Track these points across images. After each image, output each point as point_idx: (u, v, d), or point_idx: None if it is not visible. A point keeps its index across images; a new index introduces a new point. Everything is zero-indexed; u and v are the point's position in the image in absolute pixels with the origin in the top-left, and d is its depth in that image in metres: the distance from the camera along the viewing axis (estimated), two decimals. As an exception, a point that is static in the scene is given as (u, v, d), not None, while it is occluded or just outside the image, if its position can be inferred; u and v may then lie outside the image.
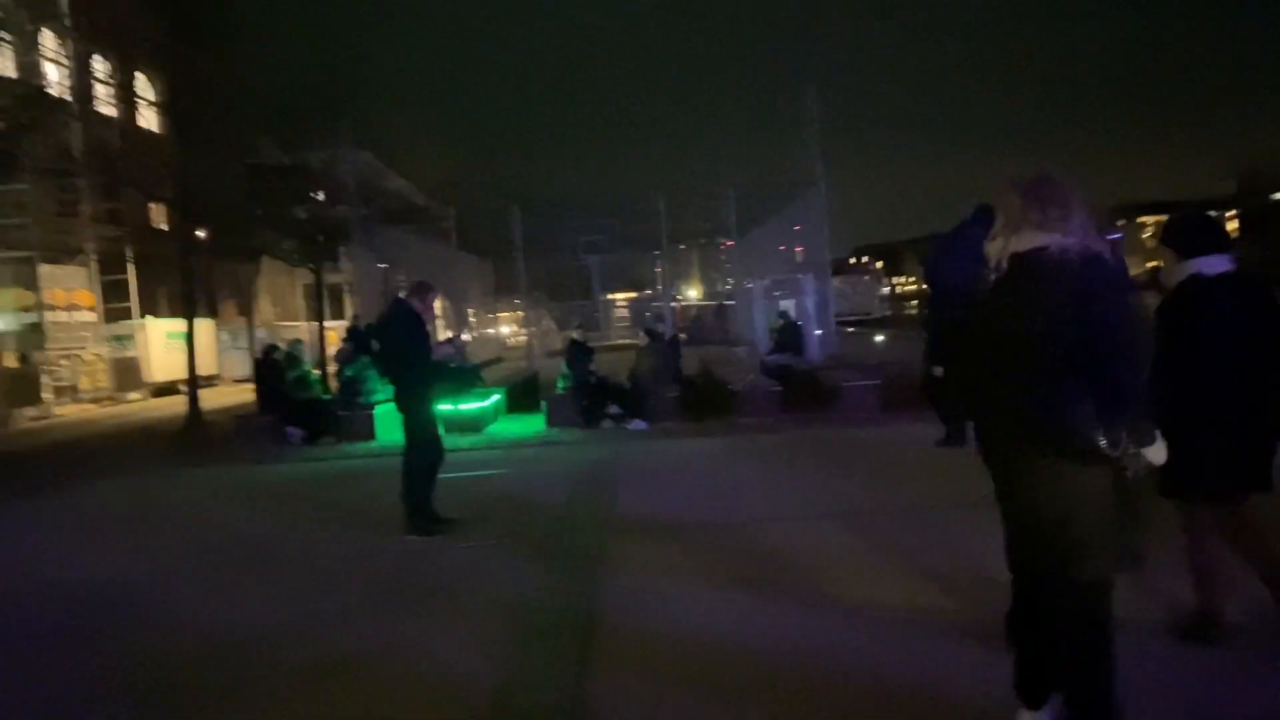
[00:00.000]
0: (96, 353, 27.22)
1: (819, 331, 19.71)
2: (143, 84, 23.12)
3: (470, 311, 28.64)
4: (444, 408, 11.13)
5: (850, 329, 32.02)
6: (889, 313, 53.94)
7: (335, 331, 27.30)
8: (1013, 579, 3.23)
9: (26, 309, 26.19)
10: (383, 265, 22.71)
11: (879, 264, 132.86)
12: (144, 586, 6.09)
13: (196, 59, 16.62)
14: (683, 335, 21.75)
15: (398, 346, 7.22)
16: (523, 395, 15.43)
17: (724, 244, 32.68)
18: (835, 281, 23.97)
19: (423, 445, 7.16)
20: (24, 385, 23.23)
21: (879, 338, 29.31)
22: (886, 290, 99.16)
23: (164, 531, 7.93)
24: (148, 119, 23.22)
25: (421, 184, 33.80)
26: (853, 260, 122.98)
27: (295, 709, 3.96)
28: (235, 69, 17.96)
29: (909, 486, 7.65)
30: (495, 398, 14.34)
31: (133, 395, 26.98)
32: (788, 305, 21.68)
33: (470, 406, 13.07)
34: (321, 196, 24.86)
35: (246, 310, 36.59)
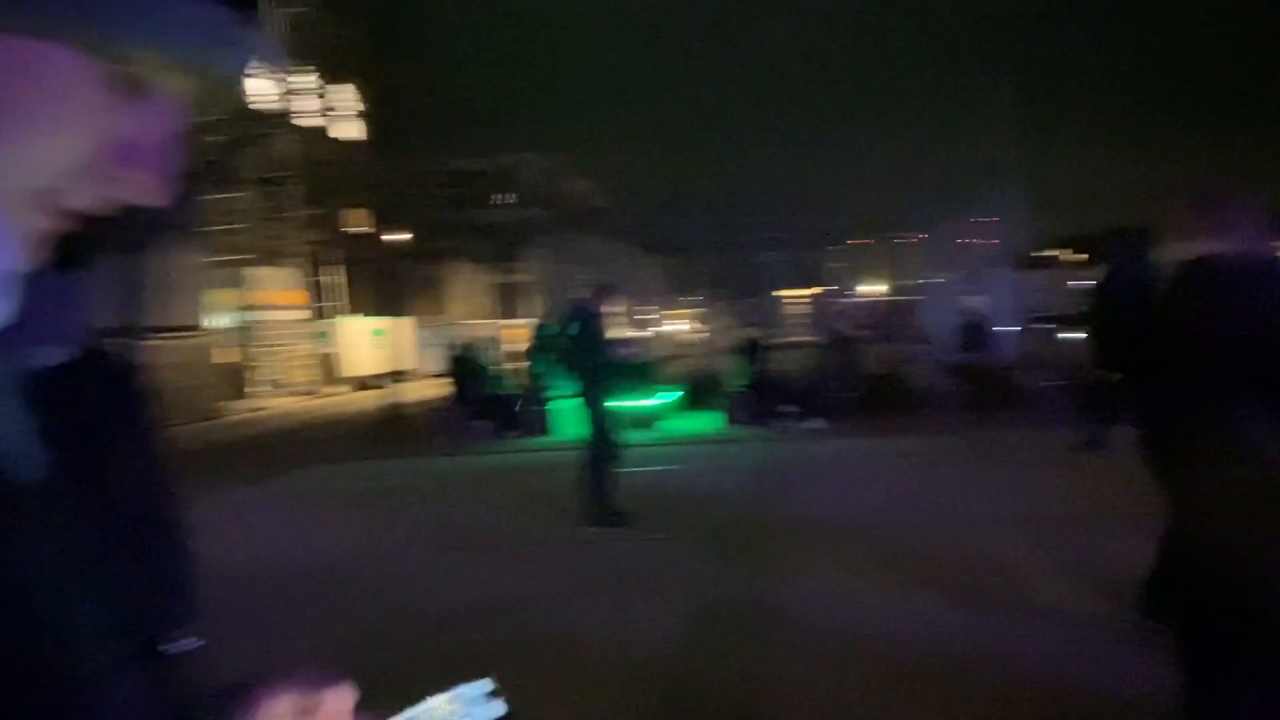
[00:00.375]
0: (302, 349, 29.21)
1: (1009, 329, 18.89)
2: (347, 96, 24.72)
3: (647, 309, 29.10)
4: (623, 404, 11.38)
5: (1044, 326, 30.45)
6: (1085, 309, 50.83)
7: (521, 329, 28.31)
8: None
9: (239, 308, 28.48)
10: (565, 264, 23.38)
11: (1078, 257, 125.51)
12: (359, 566, 6.57)
13: (397, 71, 17.67)
14: (863, 333, 21.31)
15: (580, 345, 7.45)
16: (700, 393, 15.55)
17: (909, 238, 31.83)
18: (1027, 276, 22.92)
19: (603, 440, 7.37)
20: (235, 379, 25.24)
21: (1073, 336, 27.76)
22: (1083, 285, 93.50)
23: (370, 517, 8.49)
24: (352, 129, 24.80)
25: (604, 185, 34.59)
26: (1048, 254, 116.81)
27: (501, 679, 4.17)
28: (433, 79, 18.91)
29: (1100, 490, 7.25)
30: (673, 395, 14.54)
31: (335, 389, 28.83)
32: (976, 302, 20.87)
33: (648, 403, 13.30)
34: (510, 199, 25.91)
35: (440, 308, 38.53)
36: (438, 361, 29.66)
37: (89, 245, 0.69)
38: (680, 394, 14.94)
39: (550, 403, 13.51)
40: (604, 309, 7.55)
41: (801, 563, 5.91)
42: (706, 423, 13.44)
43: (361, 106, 21.11)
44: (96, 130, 0.49)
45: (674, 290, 34.52)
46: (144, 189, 0.53)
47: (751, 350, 13.73)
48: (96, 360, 1.02)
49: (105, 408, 1.02)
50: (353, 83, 21.52)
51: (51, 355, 0.71)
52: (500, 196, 25.74)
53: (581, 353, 7.46)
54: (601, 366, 7.42)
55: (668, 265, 31.86)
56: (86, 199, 0.51)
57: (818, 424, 12.44)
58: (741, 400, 13.24)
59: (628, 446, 7.74)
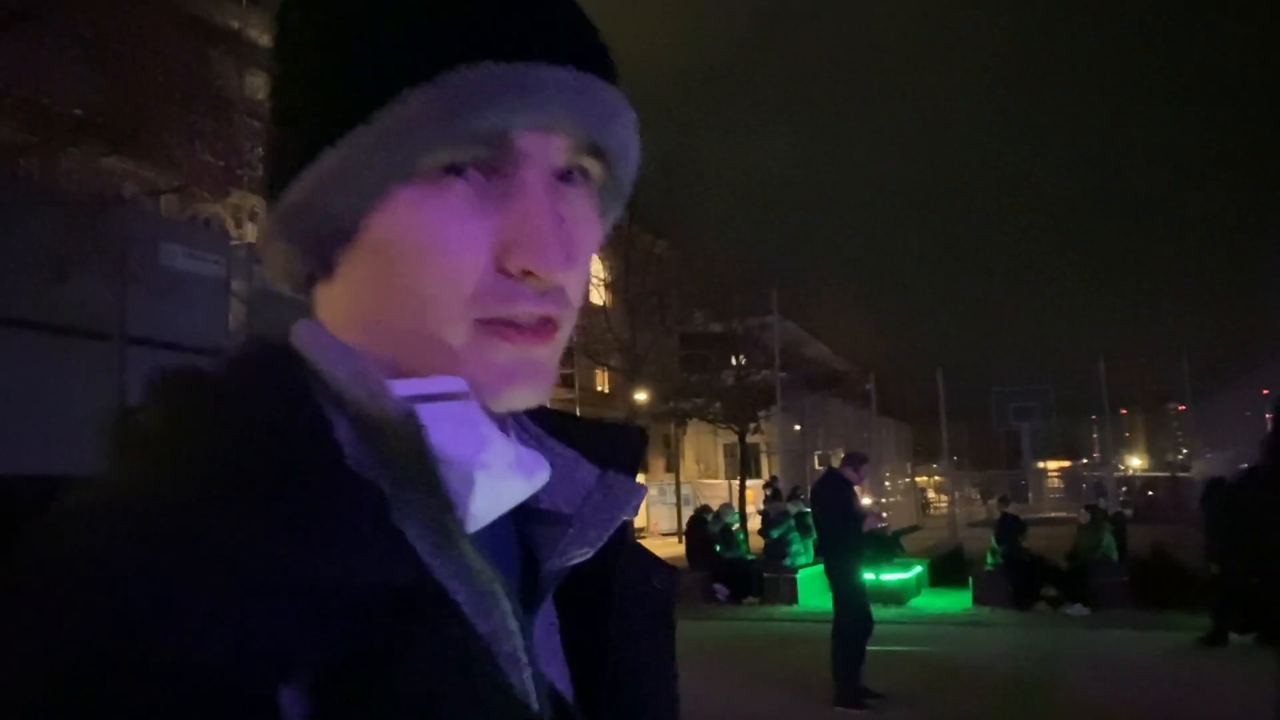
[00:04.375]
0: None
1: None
2: (596, 265, 26.39)
3: (888, 477, 28.25)
4: (866, 576, 11.02)
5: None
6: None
7: (753, 490, 28.23)
8: None
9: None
10: (799, 428, 23.31)
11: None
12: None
13: (648, 244, 18.74)
14: (1128, 511, 19.68)
15: (831, 516, 7.37)
16: (946, 568, 14.78)
17: (1176, 409, 29.46)
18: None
19: (853, 615, 7.16)
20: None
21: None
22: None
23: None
24: (599, 295, 26.35)
25: (842, 349, 34.55)
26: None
27: None
28: (680, 250, 19.96)
29: None
30: (917, 569, 13.89)
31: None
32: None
33: (892, 577, 12.77)
34: (745, 362, 26.33)
35: (674, 467, 39.14)
36: (670, 520, 30.02)
37: None
38: (924, 568, 14.26)
39: (795, 570, 13.26)
40: (855, 479, 7.48)
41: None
42: (953, 601, 12.70)
43: (614, 276, 22.48)
44: None
45: (915, 456, 33.42)
46: None
47: (1004, 524, 12.97)
48: None
49: None
50: (608, 253, 23.03)
51: None
52: (739, 358, 26.24)
53: (831, 521, 7.38)
54: (852, 535, 7.30)
55: (908, 431, 30.99)
56: None
57: (1079, 610, 11.46)
58: (991, 578, 12.45)
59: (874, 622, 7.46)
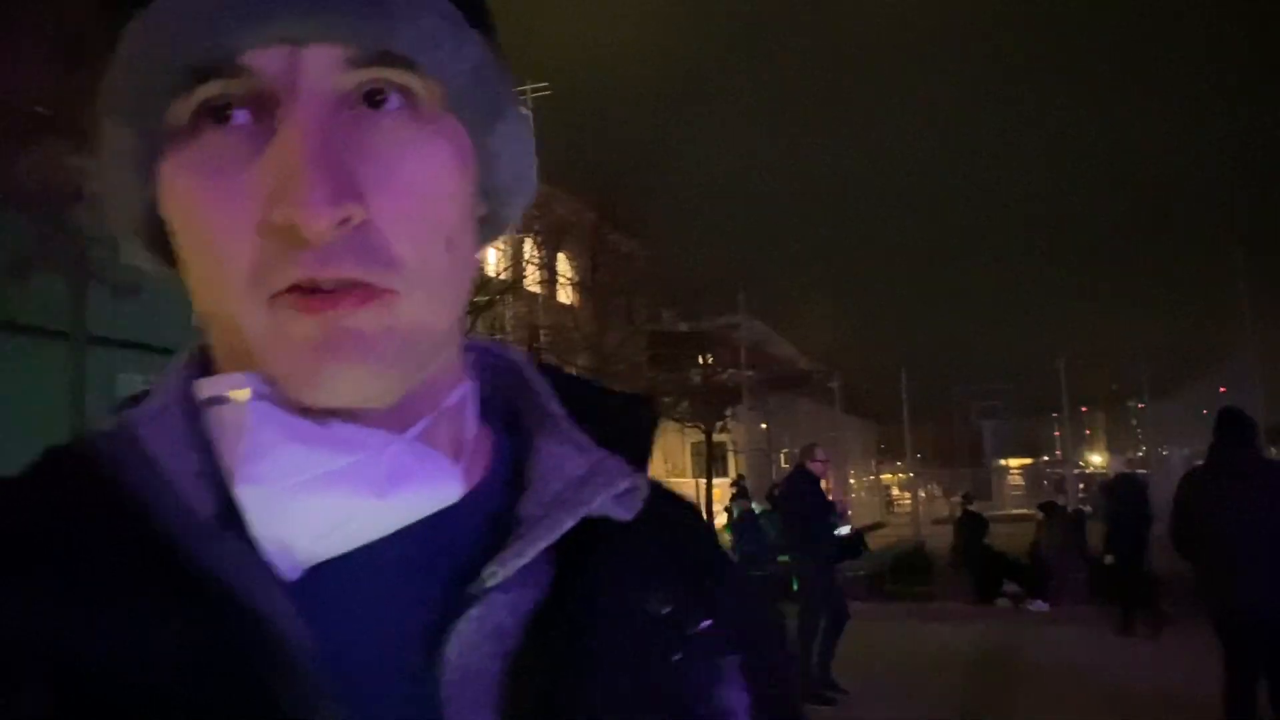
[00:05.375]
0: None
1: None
2: (563, 264, 26.39)
3: (853, 474, 28.47)
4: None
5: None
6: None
7: (720, 489, 28.36)
8: None
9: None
10: (765, 427, 23.45)
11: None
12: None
13: (616, 242, 18.79)
14: (1086, 508, 20.02)
15: (801, 511, 7.36)
16: (909, 564, 14.97)
17: (1136, 407, 29.97)
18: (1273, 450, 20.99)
19: (828, 610, 7.16)
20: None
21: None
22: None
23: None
24: (567, 294, 26.30)
25: (808, 348, 34.79)
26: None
27: None
28: (649, 249, 20.05)
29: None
30: (879, 565, 14.05)
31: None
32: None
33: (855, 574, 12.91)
34: (713, 361, 26.45)
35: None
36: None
37: None
38: (887, 564, 14.44)
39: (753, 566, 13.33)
40: (820, 469, 7.50)
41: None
42: (915, 597, 12.86)
43: (582, 276, 22.49)
44: None
45: (884, 456, 33.74)
46: None
47: (966, 521, 13.16)
48: None
49: None
50: (577, 252, 23.04)
51: None
52: (707, 357, 26.36)
53: (801, 516, 7.38)
54: (826, 530, 7.34)
55: (872, 429, 31.28)
56: None
57: (1040, 606, 11.64)
58: (953, 574, 12.64)
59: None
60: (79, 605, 0.41)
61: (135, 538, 0.43)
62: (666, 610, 0.51)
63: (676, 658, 0.50)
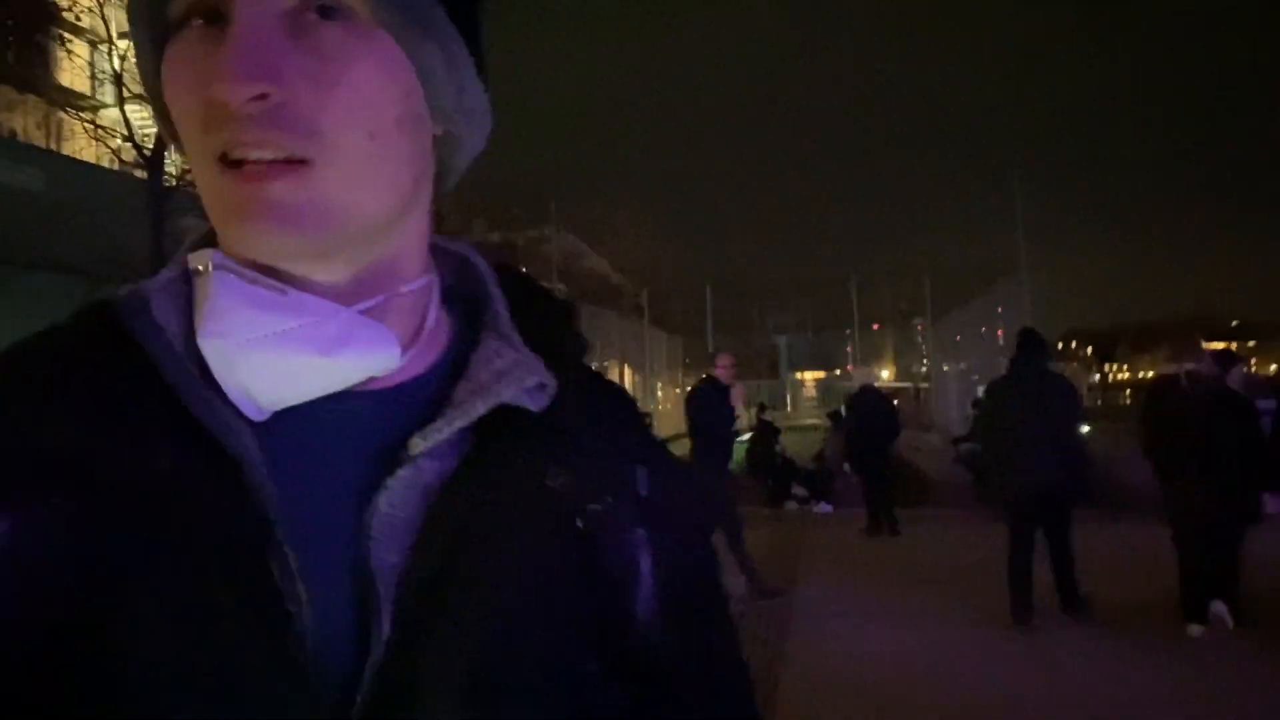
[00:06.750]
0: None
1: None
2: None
3: (660, 386, 29.20)
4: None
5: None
6: (1099, 402, 50.81)
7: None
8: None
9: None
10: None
11: (1088, 350, 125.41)
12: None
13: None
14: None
15: (711, 419, 7.33)
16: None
17: (923, 325, 32.04)
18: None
19: (732, 512, 7.34)
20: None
21: (1085, 429, 27.67)
22: (1096, 378, 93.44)
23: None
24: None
25: (620, 263, 35.08)
26: (1061, 345, 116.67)
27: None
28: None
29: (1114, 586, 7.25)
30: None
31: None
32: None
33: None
34: (530, 272, 26.33)
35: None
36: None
37: None
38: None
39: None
40: (728, 375, 7.47)
41: (800, 649, 5.92)
42: (713, 502, 13.44)
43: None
44: None
45: (688, 368, 34.70)
46: None
47: (760, 430, 13.79)
48: None
49: None
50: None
51: None
52: (521, 269, 26.21)
53: (710, 424, 7.35)
54: (728, 440, 7.47)
55: (678, 343, 32.09)
56: None
57: (825, 508, 12.43)
58: (747, 479, 13.25)
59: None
60: (97, 434, 0.52)
61: (146, 385, 0.54)
62: (559, 482, 0.58)
63: (579, 525, 0.59)
